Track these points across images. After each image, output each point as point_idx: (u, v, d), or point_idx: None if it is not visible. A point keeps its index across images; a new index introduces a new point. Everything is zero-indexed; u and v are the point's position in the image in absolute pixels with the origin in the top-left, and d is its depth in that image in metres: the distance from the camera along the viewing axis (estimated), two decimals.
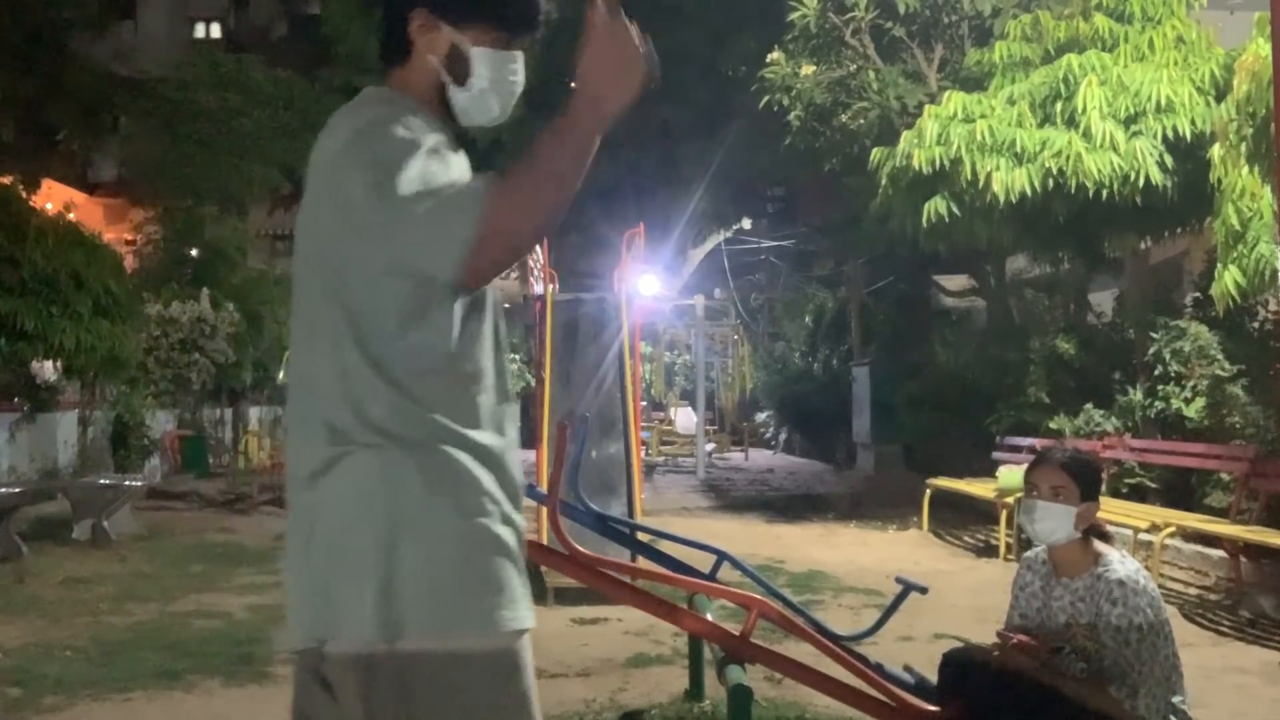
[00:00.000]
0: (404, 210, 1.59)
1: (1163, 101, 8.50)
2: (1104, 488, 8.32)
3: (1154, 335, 9.14)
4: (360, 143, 1.65)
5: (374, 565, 1.60)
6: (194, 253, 17.93)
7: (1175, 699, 2.94)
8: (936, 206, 9.20)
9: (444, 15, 1.74)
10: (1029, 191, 8.62)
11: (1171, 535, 7.13)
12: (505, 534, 1.69)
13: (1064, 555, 3.09)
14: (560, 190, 1.61)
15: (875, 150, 10.15)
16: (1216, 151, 7.14)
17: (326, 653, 1.65)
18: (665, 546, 4.33)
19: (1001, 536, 8.51)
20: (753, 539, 9.41)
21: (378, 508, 1.62)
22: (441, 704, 1.61)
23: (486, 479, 1.68)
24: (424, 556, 1.61)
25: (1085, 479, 3.07)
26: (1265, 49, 6.20)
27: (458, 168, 1.71)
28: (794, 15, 11.84)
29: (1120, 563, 2.99)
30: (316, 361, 1.72)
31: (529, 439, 8.19)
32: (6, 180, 11.65)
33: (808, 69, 11.96)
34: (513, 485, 1.73)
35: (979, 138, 8.81)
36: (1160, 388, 8.99)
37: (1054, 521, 3.04)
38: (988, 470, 9.51)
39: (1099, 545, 3.06)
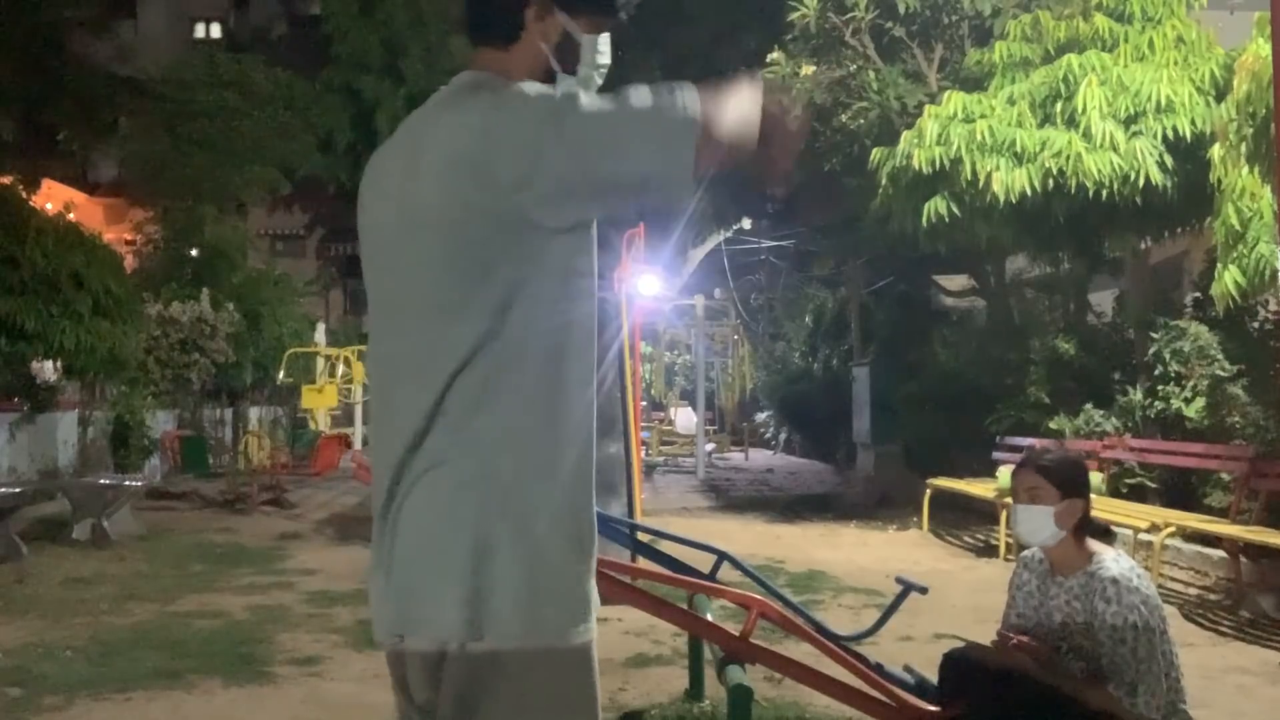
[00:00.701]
0: (616, 116, 1.59)
1: (1163, 101, 8.50)
2: (1105, 488, 8.41)
3: (1154, 335, 9.14)
4: (511, 100, 1.63)
5: (462, 565, 1.58)
6: (194, 253, 17.93)
7: (1174, 697, 2.94)
8: (936, 206, 9.20)
9: (559, 1, 1.76)
10: (1029, 191, 8.61)
11: (1171, 535, 7.13)
12: (589, 536, 1.67)
13: (1059, 554, 3.09)
14: (734, 129, 1.62)
15: (875, 150, 10.14)
16: (1216, 151, 7.14)
17: (404, 650, 1.65)
18: (665, 546, 4.33)
19: (1001, 536, 8.51)
20: (753, 539, 9.41)
21: (470, 507, 1.60)
22: (512, 706, 1.60)
23: (576, 478, 1.65)
24: (513, 561, 1.59)
25: (1061, 478, 3.09)
26: (1265, 49, 6.19)
27: None
28: (794, 15, 11.85)
29: (1114, 561, 2.99)
30: (418, 354, 1.65)
31: None
32: (6, 180, 11.65)
33: (808, 69, 11.96)
34: (592, 477, 1.69)
35: (979, 138, 8.81)
36: (1160, 388, 8.99)
37: (1033, 523, 3.08)
38: (988, 470, 9.51)
39: (1094, 544, 3.06)
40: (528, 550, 1.60)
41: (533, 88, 1.65)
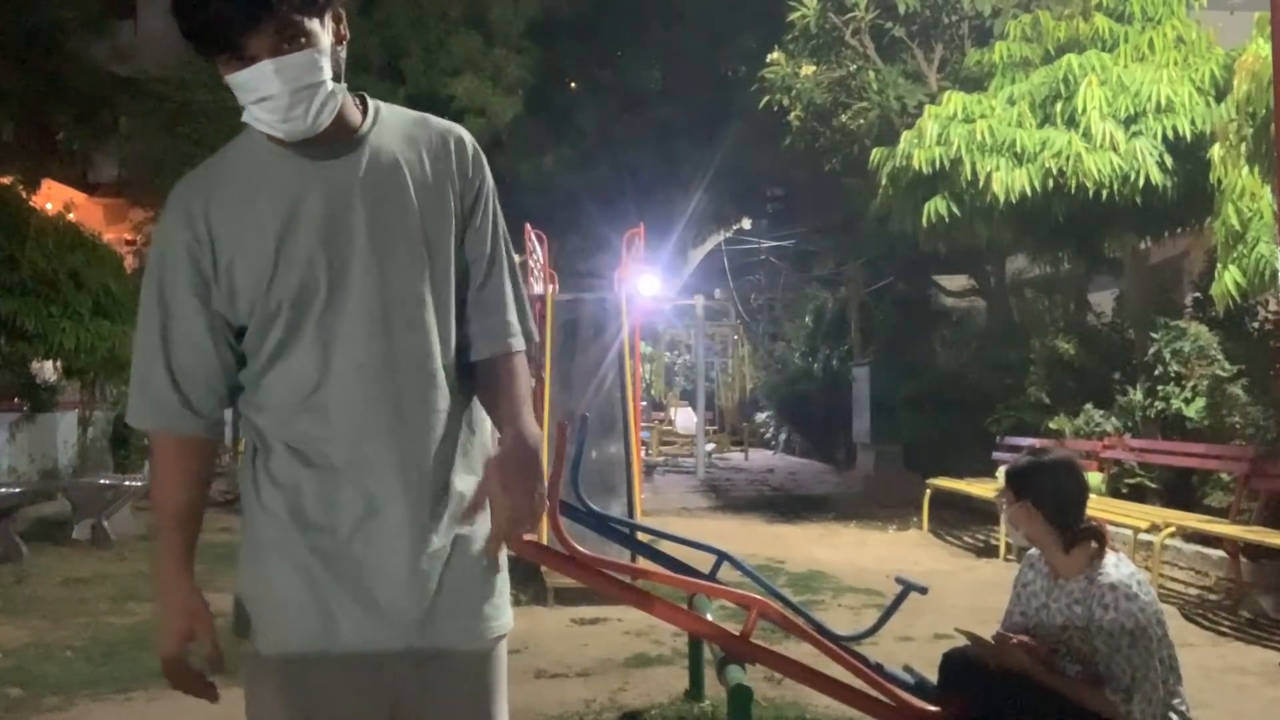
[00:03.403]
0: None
1: (1163, 101, 8.50)
2: (1104, 488, 8.40)
3: (1154, 335, 9.13)
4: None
5: None
6: None
7: (1175, 701, 2.94)
8: (936, 206, 9.20)
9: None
10: (1029, 191, 8.61)
11: (1171, 535, 7.12)
12: (274, 552, 1.80)
13: (1052, 557, 3.10)
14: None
15: (875, 150, 10.14)
16: (1216, 151, 7.14)
17: None
18: (665, 546, 4.33)
19: (1001, 536, 8.51)
20: (753, 539, 9.41)
21: None
22: None
23: (275, 496, 1.75)
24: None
25: (1014, 480, 3.16)
26: (1265, 49, 6.19)
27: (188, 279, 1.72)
28: (794, 15, 11.85)
29: (1115, 567, 2.99)
30: None
31: None
32: (6, 180, 11.64)
33: (808, 69, 11.96)
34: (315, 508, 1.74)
35: (979, 138, 8.81)
36: (1160, 388, 8.99)
37: (1010, 526, 3.16)
38: (988, 470, 9.51)
39: (1096, 549, 3.05)
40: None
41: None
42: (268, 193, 1.69)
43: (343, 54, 1.72)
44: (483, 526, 1.75)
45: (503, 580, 1.84)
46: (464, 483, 1.77)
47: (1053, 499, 3.08)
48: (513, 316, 1.84)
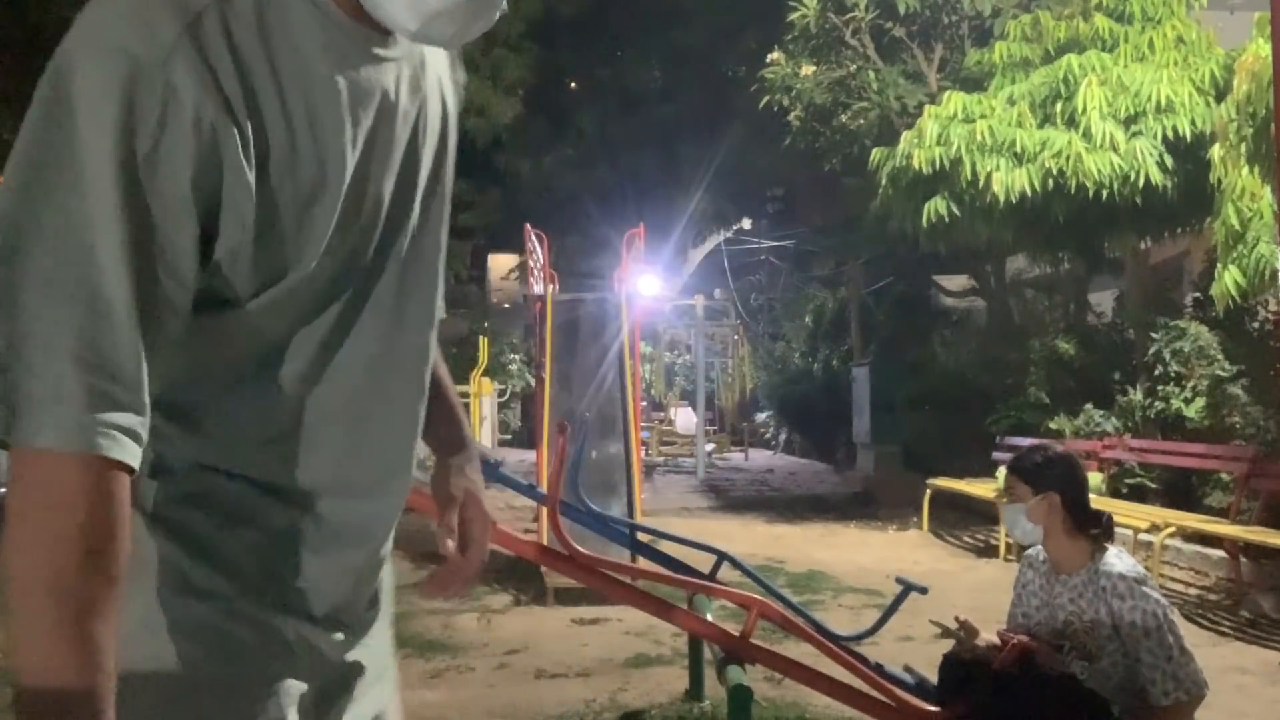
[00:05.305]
0: None
1: (1163, 101, 8.50)
2: (1105, 488, 8.41)
3: (1154, 335, 9.14)
4: (36, 98, 1.00)
5: None
6: None
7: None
8: (936, 207, 9.20)
9: None
10: (1029, 191, 8.62)
11: (1171, 535, 7.13)
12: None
13: (1056, 551, 3.10)
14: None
15: (875, 150, 10.14)
16: (1216, 151, 7.14)
17: None
18: (665, 546, 4.33)
19: (1001, 536, 8.51)
20: (753, 539, 9.41)
21: None
22: None
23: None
24: None
25: (1030, 475, 3.13)
26: (1265, 49, 6.19)
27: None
28: (794, 15, 11.86)
29: (1118, 557, 3.02)
30: None
31: (529, 439, 8.21)
32: None
33: (808, 69, 11.97)
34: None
35: (979, 138, 8.81)
36: (1160, 388, 9.00)
37: (1011, 520, 3.19)
38: (988, 470, 9.51)
39: (1096, 541, 3.06)
40: None
41: (28, 132, 0.99)
42: (338, 72, 1.01)
43: None
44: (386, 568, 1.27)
45: None
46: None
47: (1072, 488, 3.10)
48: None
